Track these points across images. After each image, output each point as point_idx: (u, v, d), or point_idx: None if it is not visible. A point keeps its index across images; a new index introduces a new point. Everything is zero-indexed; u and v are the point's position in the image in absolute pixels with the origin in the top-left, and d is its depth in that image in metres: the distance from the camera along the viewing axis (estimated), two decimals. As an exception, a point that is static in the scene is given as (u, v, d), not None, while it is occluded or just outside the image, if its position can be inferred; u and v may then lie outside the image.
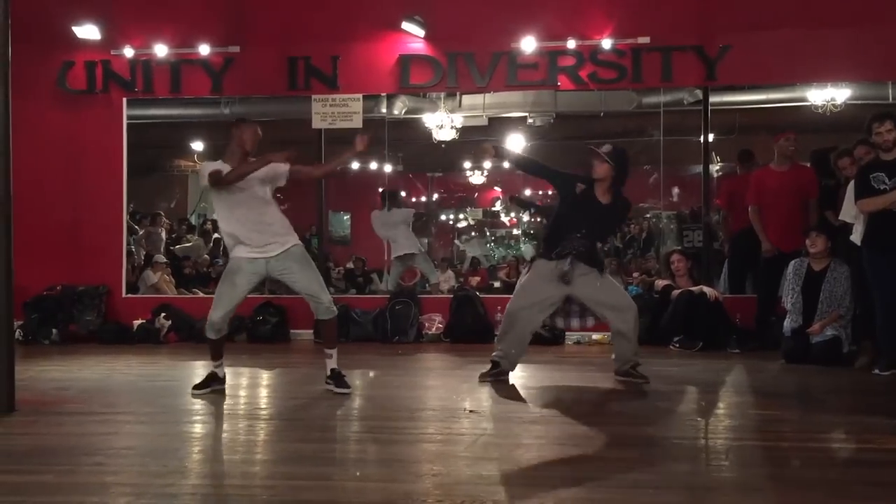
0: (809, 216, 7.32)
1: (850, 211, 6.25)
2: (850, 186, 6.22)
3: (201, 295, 10.61)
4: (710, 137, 8.99)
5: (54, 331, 8.48)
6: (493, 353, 5.78)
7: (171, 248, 12.05)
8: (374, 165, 14.17)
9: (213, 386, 5.37)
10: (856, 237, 6.19)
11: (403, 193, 13.09)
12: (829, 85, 9.82)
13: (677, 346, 7.58)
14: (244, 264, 5.13)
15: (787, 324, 6.81)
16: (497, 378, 5.67)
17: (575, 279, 5.48)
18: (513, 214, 17.76)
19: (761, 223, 7.42)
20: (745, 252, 7.86)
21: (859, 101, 10.01)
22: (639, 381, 5.59)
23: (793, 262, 6.92)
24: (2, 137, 4.73)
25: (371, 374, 6.38)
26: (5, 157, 4.74)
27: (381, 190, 11.35)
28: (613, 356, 5.78)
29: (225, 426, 4.49)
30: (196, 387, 5.33)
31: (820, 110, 10.10)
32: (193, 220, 15.05)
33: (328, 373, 5.33)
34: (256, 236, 5.10)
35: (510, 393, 5.57)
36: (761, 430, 4.34)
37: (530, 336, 5.79)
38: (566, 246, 5.46)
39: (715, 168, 10.02)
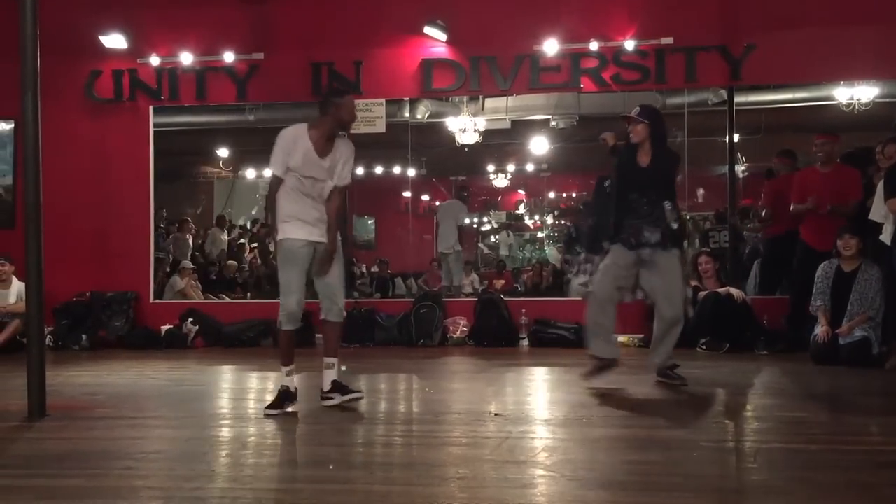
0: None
1: (880, 210, 6.18)
2: (881, 186, 6.15)
3: (228, 300, 10.71)
4: (736, 138, 8.92)
5: (84, 336, 8.59)
6: (591, 352, 5.69)
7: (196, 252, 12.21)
8: (397, 170, 14.22)
9: (286, 406, 4.75)
10: (885, 237, 6.12)
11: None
12: (856, 83, 9.70)
13: (704, 347, 7.52)
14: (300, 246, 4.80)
15: (817, 328, 6.74)
16: (603, 371, 5.59)
17: (653, 262, 5.42)
18: (536, 217, 17.73)
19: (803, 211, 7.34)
20: (780, 256, 7.77)
21: (888, 100, 9.89)
22: (677, 383, 5.55)
23: (822, 264, 6.84)
24: (31, 146, 4.80)
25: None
26: (35, 165, 4.81)
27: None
28: (652, 351, 5.66)
29: (252, 430, 4.52)
30: (269, 406, 4.75)
31: (846, 109, 9.98)
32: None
33: (328, 386, 4.92)
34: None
35: (535, 396, 5.56)
36: (790, 432, 4.29)
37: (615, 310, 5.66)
38: (640, 237, 5.37)
39: (740, 168, 9.93)
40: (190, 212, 14.39)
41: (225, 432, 4.48)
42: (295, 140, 4.80)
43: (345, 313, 5.00)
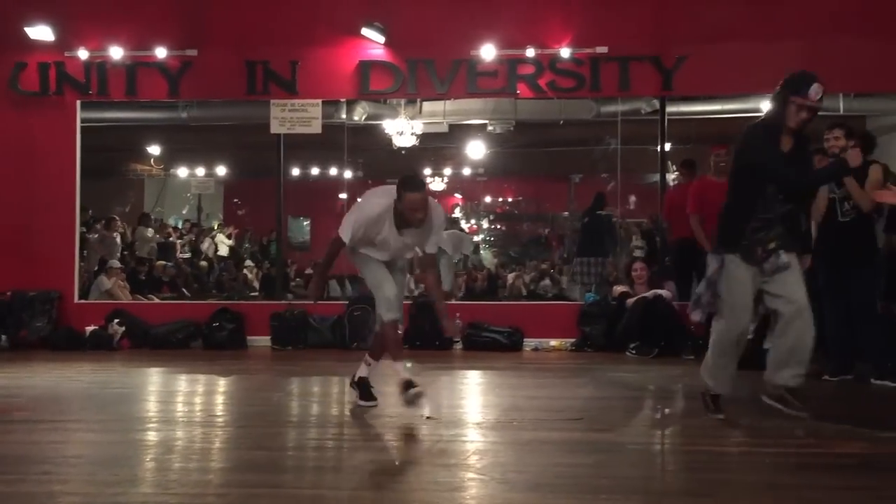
0: None
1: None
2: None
3: (156, 301, 10.47)
4: (667, 147, 9.10)
5: (4, 337, 8.29)
6: (706, 386, 4.73)
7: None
8: (333, 171, 14.14)
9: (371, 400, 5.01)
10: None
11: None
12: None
13: (634, 352, 7.66)
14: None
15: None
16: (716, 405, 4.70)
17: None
18: (473, 221, 17.82)
19: (704, 231, 7.43)
20: (688, 260, 7.92)
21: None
22: (790, 411, 4.51)
23: None
24: (-51, 139, 4.63)
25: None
26: (-47, 158, 4.64)
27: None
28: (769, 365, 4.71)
29: (179, 433, 4.43)
30: (362, 397, 5.06)
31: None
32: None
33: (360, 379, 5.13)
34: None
35: (467, 399, 5.58)
36: (714, 435, 4.39)
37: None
38: (763, 237, 4.44)
39: (671, 177, 10.16)
40: (119, 210, 14.03)
41: (151, 436, 4.38)
42: (380, 218, 4.73)
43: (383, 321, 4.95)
